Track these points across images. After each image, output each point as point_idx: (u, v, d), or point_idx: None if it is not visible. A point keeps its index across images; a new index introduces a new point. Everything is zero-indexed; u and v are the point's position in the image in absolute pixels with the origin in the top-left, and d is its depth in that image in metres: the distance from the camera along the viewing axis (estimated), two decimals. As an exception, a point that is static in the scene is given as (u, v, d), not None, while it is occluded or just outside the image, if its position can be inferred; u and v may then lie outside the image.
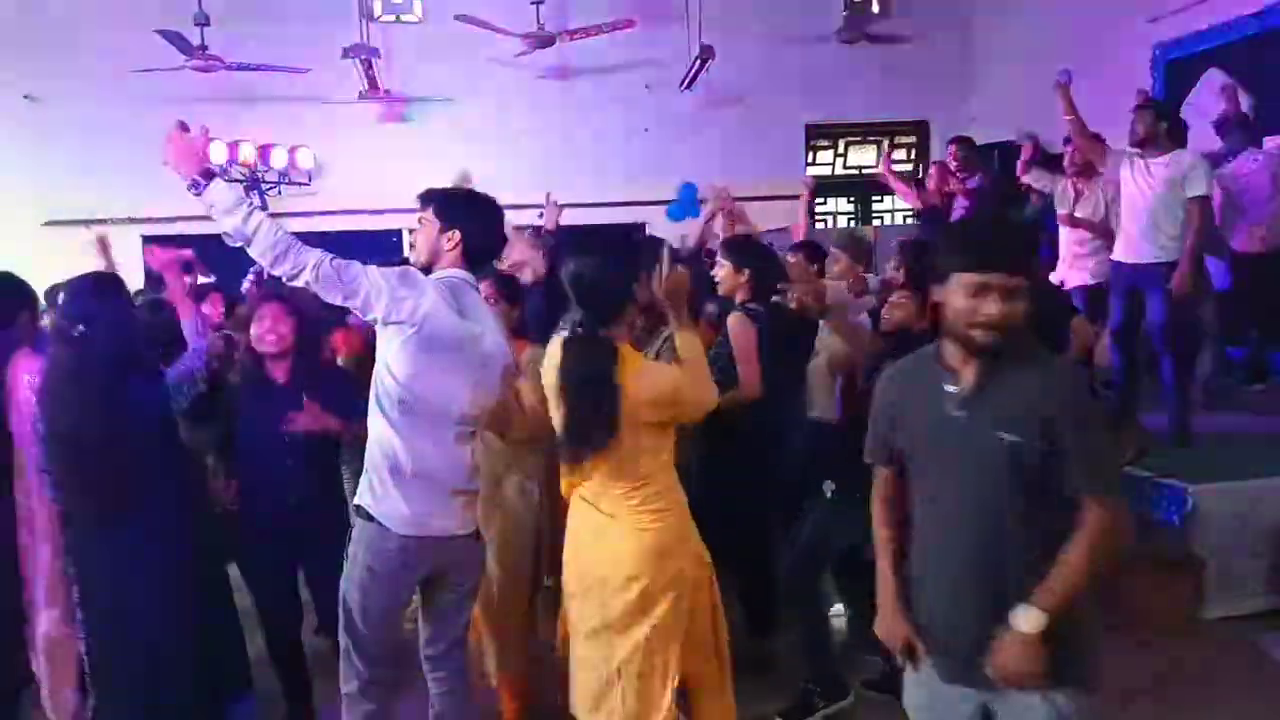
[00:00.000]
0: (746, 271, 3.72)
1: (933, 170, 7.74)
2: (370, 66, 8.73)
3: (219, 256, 2.83)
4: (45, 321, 3.91)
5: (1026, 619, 1.87)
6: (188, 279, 3.36)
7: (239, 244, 2.44)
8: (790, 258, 4.36)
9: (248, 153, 8.64)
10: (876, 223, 10.69)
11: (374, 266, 2.51)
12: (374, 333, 2.57)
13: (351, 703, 2.67)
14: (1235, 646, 3.88)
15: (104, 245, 3.71)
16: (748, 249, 3.90)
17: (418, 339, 2.48)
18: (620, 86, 9.68)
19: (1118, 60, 7.25)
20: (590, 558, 2.45)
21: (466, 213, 2.65)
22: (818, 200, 10.78)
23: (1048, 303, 4.58)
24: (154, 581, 2.94)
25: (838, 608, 3.97)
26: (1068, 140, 5.71)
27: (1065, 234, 5.71)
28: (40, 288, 4.71)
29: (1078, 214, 5.59)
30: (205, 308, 4.77)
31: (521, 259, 4.44)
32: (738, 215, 5.13)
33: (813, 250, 4.46)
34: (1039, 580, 1.89)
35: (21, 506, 3.17)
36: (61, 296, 3.04)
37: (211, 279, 6.58)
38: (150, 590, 2.94)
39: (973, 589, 1.97)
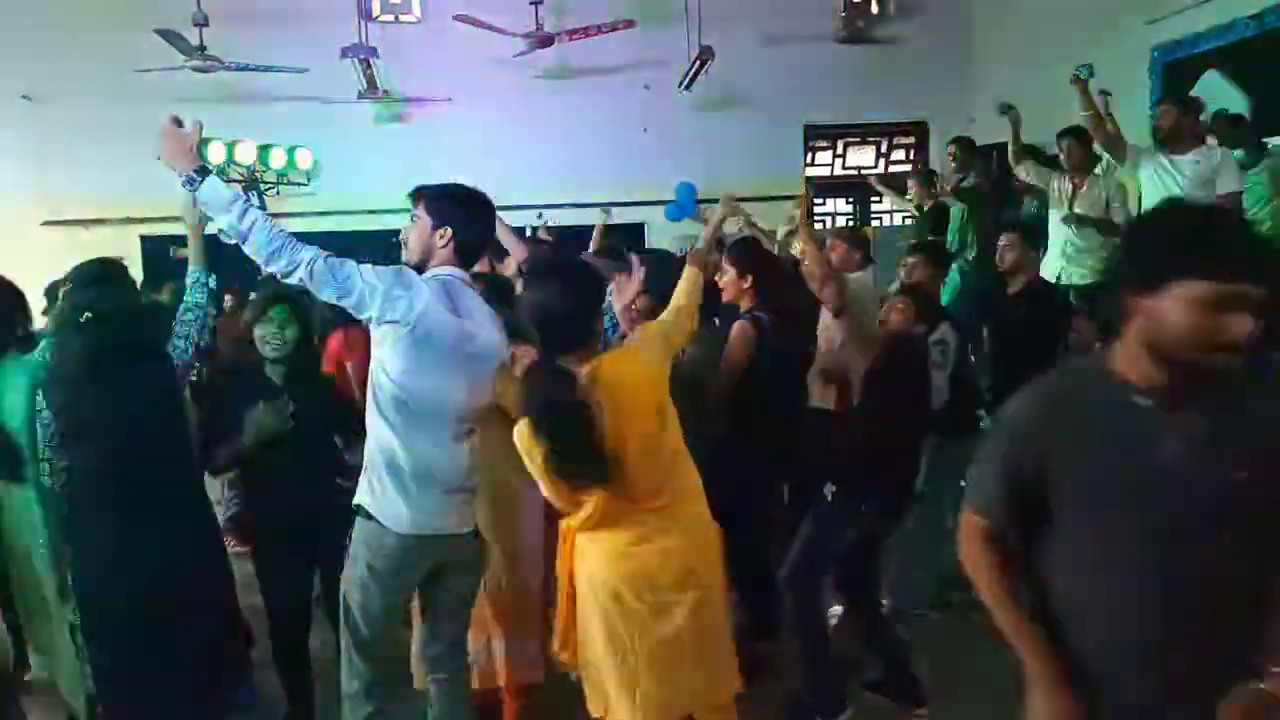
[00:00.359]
0: (750, 277, 3.70)
1: (911, 185, 7.73)
2: (369, 66, 8.73)
3: (219, 257, 2.80)
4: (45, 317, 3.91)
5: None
6: None
7: (234, 241, 2.44)
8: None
9: (246, 153, 8.63)
10: (875, 223, 10.71)
11: (368, 265, 2.51)
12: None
13: (354, 703, 2.68)
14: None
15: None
16: (752, 254, 3.88)
17: (412, 338, 2.49)
18: (619, 87, 9.67)
19: (1117, 61, 7.25)
20: (637, 565, 2.42)
21: (458, 210, 2.65)
22: (816, 200, 10.79)
23: (1050, 303, 4.60)
24: (159, 568, 2.93)
25: (835, 609, 3.96)
26: (1061, 135, 5.70)
27: (1059, 230, 5.67)
28: (40, 288, 4.74)
29: (1077, 210, 5.57)
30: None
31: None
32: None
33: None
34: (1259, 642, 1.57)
35: None
36: (68, 283, 3.04)
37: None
38: (154, 578, 2.93)
39: (1192, 663, 1.62)
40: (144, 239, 8.99)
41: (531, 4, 8.67)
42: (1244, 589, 1.59)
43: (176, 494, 2.98)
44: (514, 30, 8.68)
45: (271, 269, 2.46)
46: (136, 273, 6.04)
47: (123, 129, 8.19)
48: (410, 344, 2.49)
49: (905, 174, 8.41)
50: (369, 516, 2.58)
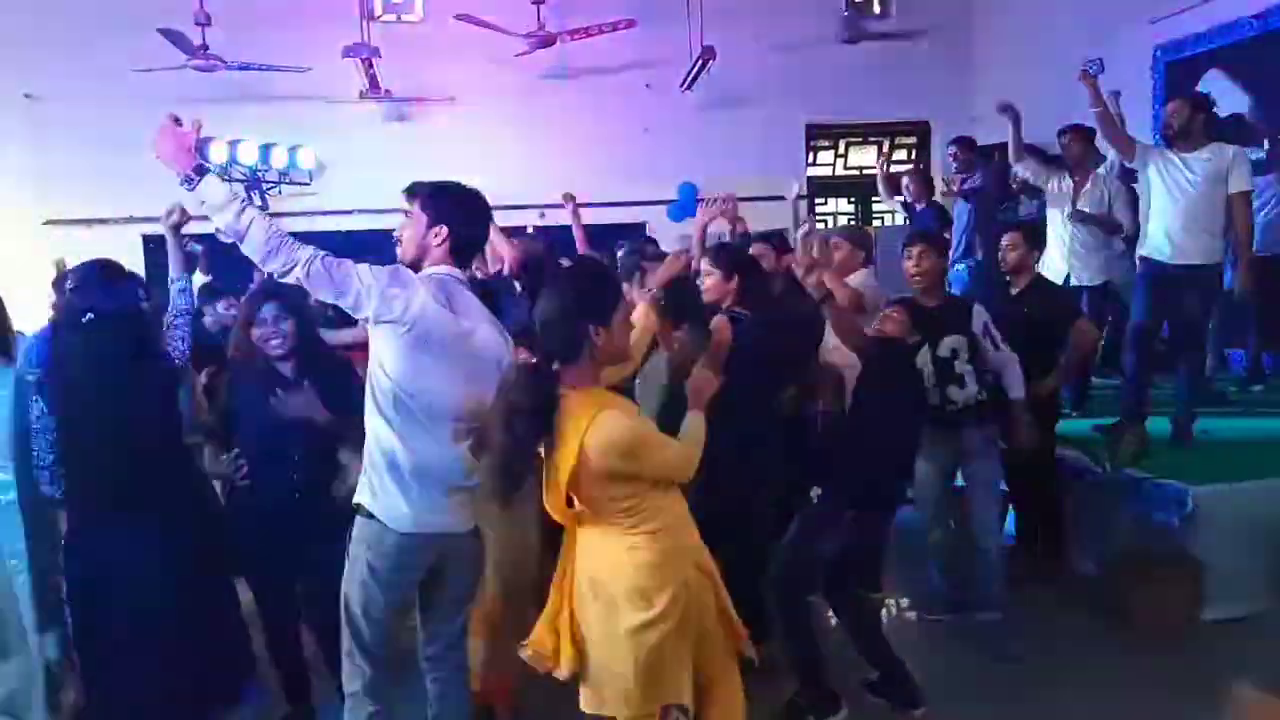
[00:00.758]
0: (735, 279, 3.70)
1: (908, 181, 7.72)
2: (371, 66, 8.74)
3: (219, 257, 2.80)
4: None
5: None
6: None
7: (231, 240, 2.45)
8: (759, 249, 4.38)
9: (248, 152, 8.63)
10: (877, 223, 10.70)
11: (365, 265, 2.51)
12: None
13: (355, 702, 2.67)
14: (1234, 647, 3.87)
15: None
16: (736, 256, 3.88)
17: (410, 338, 2.49)
18: (621, 86, 9.67)
19: (1118, 61, 7.23)
20: (593, 565, 2.42)
21: (454, 208, 2.63)
22: (818, 200, 10.80)
23: (1052, 303, 4.59)
24: (153, 573, 2.93)
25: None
26: (1062, 132, 5.68)
27: (1066, 230, 5.66)
28: (41, 286, 4.75)
29: (1080, 208, 5.56)
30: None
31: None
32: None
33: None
34: None
35: None
36: (69, 284, 3.04)
37: (208, 278, 6.59)
38: (148, 582, 2.93)
39: None
40: (146, 238, 9.00)
41: (533, 4, 8.68)
42: None
43: (174, 494, 2.98)
44: (516, 30, 8.68)
45: (268, 268, 2.46)
46: (137, 272, 6.09)
47: (125, 128, 8.18)
48: (407, 343, 2.49)
49: (902, 174, 8.39)
50: (369, 515, 2.58)
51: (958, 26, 10.02)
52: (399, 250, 2.71)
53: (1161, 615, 4.06)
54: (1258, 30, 6.54)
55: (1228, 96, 6.42)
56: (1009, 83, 8.99)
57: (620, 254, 4.78)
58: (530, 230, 7.35)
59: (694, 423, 2.54)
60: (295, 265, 2.43)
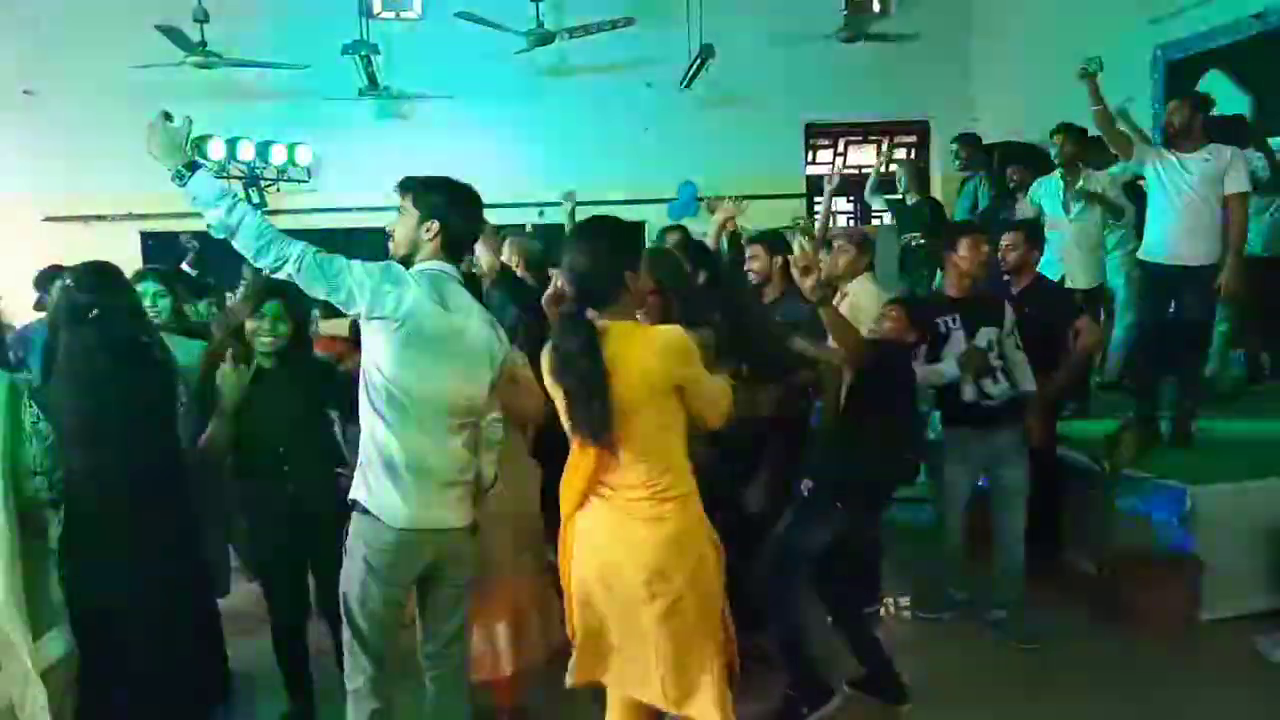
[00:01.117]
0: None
1: (900, 172, 7.67)
2: (369, 63, 8.72)
3: (221, 256, 2.79)
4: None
5: None
6: None
7: (223, 235, 2.44)
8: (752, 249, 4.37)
9: (247, 149, 8.62)
10: (876, 222, 10.69)
11: (358, 261, 2.51)
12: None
13: (357, 699, 2.67)
14: (1233, 647, 3.87)
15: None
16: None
17: (402, 334, 2.49)
18: (620, 85, 9.66)
19: (1118, 61, 7.23)
20: (610, 556, 2.40)
21: (446, 202, 2.63)
22: (817, 199, 10.78)
23: (1053, 303, 4.59)
24: (149, 577, 2.93)
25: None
26: (1054, 133, 5.67)
27: (1060, 232, 5.65)
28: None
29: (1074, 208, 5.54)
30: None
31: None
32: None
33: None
34: None
35: None
36: (69, 283, 3.03)
37: (194, 272, 6.60)
38: (144, 586, 2.92)
39: None
40: (145, 235, 9.00)
41: (532, 1, 8.66)
42: None
43: (169, 496, 2.97)
44: (515, 28, 8.67)
45: (260, 263, 2.46)
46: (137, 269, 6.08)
47: (123, 125, 8.10)
48: (400, 339, 2.49)
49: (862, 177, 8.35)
50: (365, 511, 2.58)
51: (957, 26, 10.02)
52: (391, 245, 2.71)
53: (1161, 614, 4.07)
54: (1258, 30, 6.53)
55: (1228, 97, 6.42)
56: (1009, 82, 9.04)
57: None
58: (529, 229, 7.35)
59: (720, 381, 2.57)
60: (287, 261, 2.43)
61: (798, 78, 9.75)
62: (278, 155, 8.88)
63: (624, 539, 2.39)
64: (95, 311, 2.90)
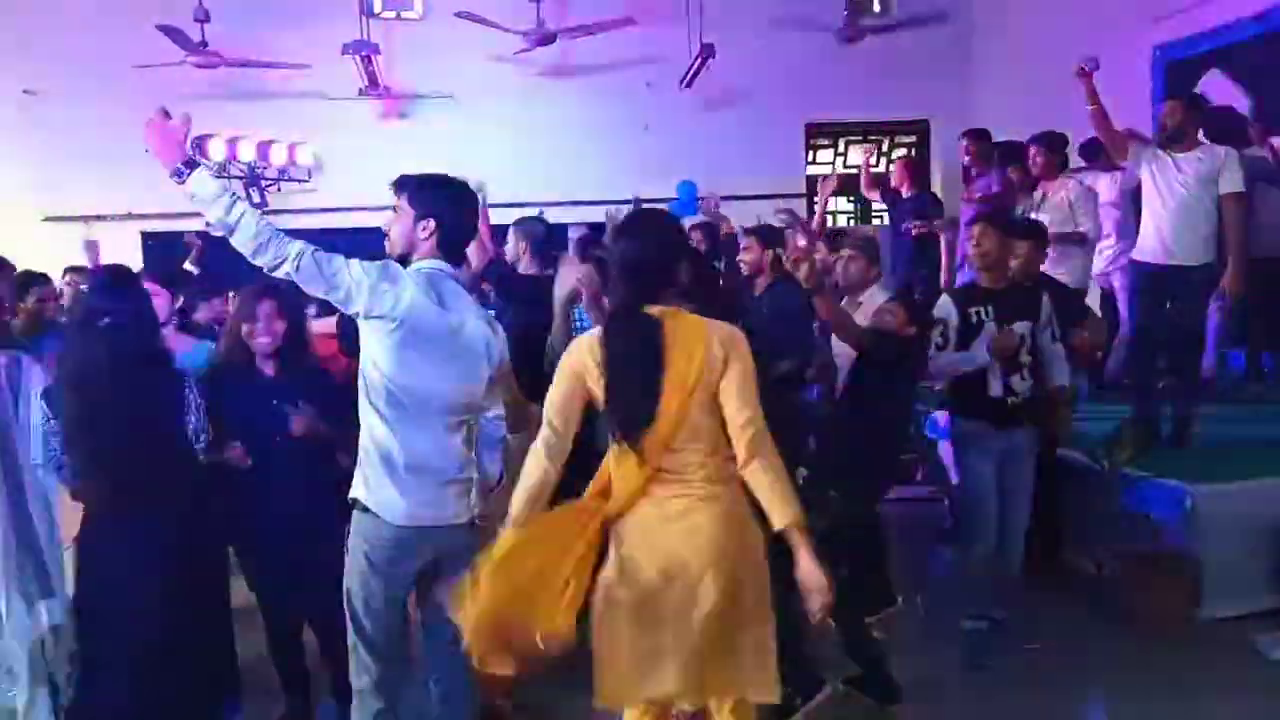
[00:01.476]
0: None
1: (897, 165, 7.66)
2: (370, 63, 8.73)
3: (224, 255, 2.78)
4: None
5: None
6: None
7: (221, 233, 2.45)
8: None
9: (247, 149, 8.62)
10: (877, 222, 10.69)
11: (356, 260, 2.52)
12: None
13: (362, 698, 2.68)
14: (1233, 646, 3.88)
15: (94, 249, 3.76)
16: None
17: (400, 333, 2.50)
18: (620, 84, 9.66)
19: (1118, 61, 7.24)
20: (670, 547, 2.35)
21: (441, 201, 2.63)
22: (817, 199, 10.77)
23: (1059, 302, 4.58)
24: (156, 576, 2.94)
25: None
26: (1035, 140, 5.65)
27: None
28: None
29: (1043, 217, 5.48)
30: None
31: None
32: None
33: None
34: None
35: None
36: (84, 287, 3.06)
37: (196, 270, 6.60)
38: (151, 585, 2.94)
39: None
40: (145, 235, 9.00)
41: (533, 1, 8.67)
42: None
43: (173, 502, 2.98)
44: (515, 27, 8.67)
45: (258, 262, 2.46)
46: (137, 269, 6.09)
47: (124, 125, 8.10)
48: (397, 338, 2.50)
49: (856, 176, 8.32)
50: (365, 509, 2.59)
51: (958, 25, 10.01)
52: (387, 244, 2.71)
53: (1160, 613, 4.07)
54: (1258, 31, 6.53)
55: (1228, 97, 6.43)
56: (1008, 82, 9.03)
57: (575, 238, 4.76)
58: (540, 213, 7.31)
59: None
60: (285, 259, 2.44)
61: (798, 77, 9.75)
62: (278, 155, 8.89)
63: (683, 528, 2.34)
64: (107, 319, 2.92)
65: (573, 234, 5.06)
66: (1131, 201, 5.76)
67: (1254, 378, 6.22)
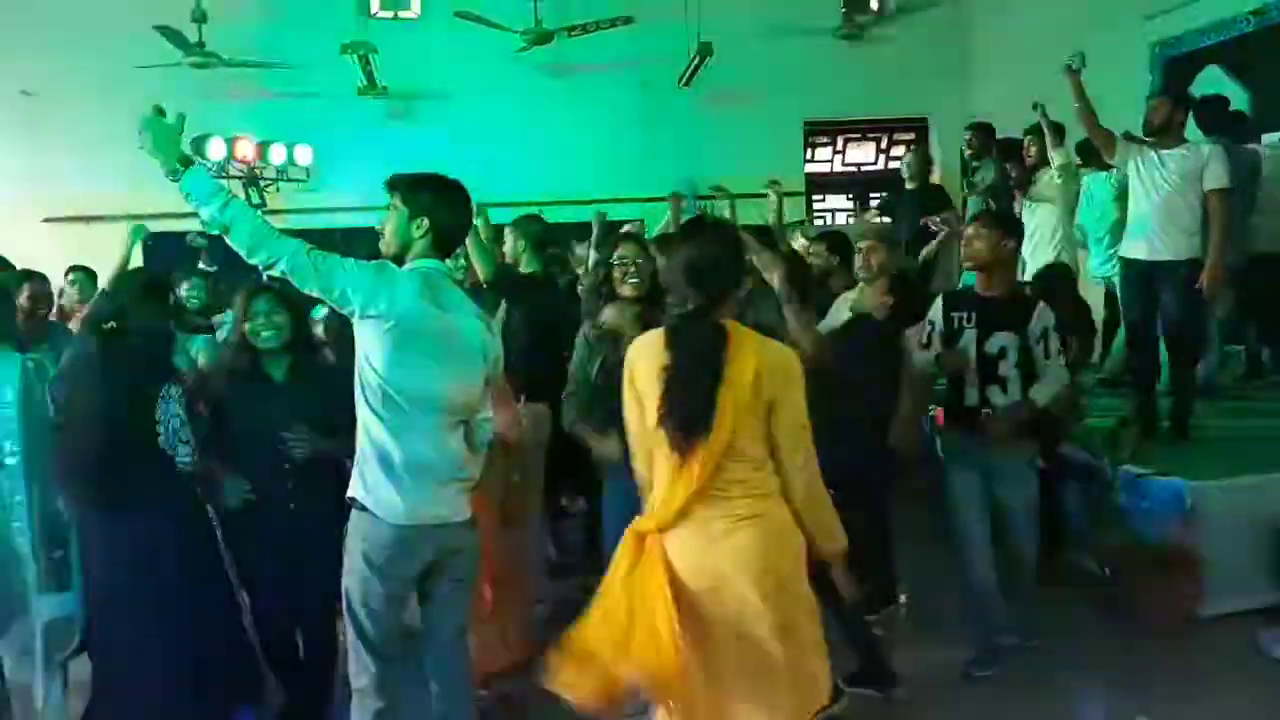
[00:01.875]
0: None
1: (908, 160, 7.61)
2: (368, 63, 8.72)
3: (231, 252, 2.77)
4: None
5: None
6: None
7: (216, 231, 2.45)
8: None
9: (246, 149, 8.61)
10: (875, 217, 10.70)
11: (351, 259, 2.51)
12: None
13: (361, 698, 2.67)
14: (1234, 644, 3.88)
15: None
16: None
17: (396, 332, 2.49)
18: (618, 83, 9.66)
19: (1116, 57, 7.24)
20: (716, 566, 2.32)
21: (435, 199, 2.62)
22: (816, 198, 10.79)
23: (1058, 297, 4.58)
24: (153, 578, 2.93)
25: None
26: (1030, 131, 5.66)
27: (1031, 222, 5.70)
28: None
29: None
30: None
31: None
32: None
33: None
34: None
35: None
36: (104, 289, 3.07)
37: (214, 269, 6.57)
38: (147, 587, 2.93)
39: None
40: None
41: (530, 0, 8.66)
42: None
43: (168, 506, 2.97)
44: (513, 26, 8.67)
45: (253, 260, 2.46)
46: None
47: (122, 125, 8.11)
48: (393, 338, 2.49)
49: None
50: (363, 509, 2.58)
51: (956, 23, 10.02)
52: (382, 244, 2.71)
53: (1162, 610, 4.07)
54: (1255, 26, 6.54)
55: (1225, 92, 6.42)
56: (1006, 79, 9.02)
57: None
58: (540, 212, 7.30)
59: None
60: (281, 258, 2.43)
61: (796, 76, 9.75)
62: (276, 155, 8.86)
63: (729, 546, 2.31)
64: (112, 325, 2.92)
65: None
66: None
67: (1254, 375, 6.22)
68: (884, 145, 10.78)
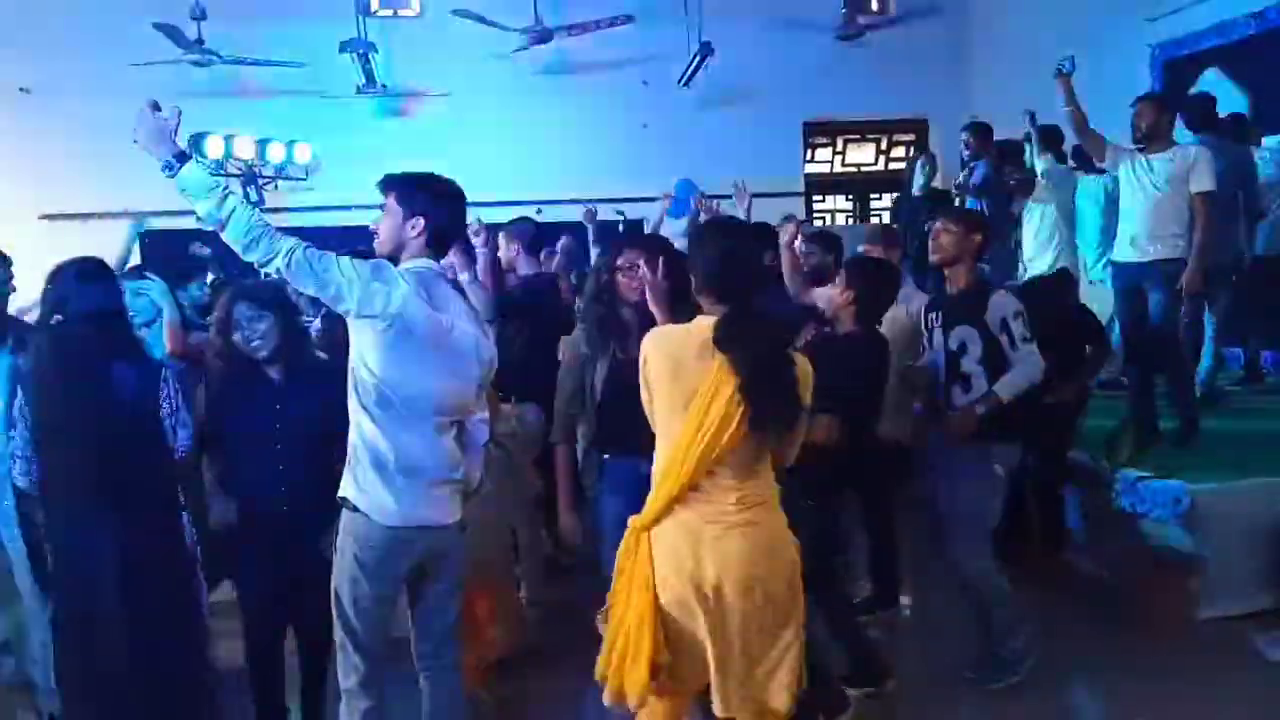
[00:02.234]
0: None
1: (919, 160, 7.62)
2: (367, 61, 8.72)
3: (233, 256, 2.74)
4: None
5: None
6: None
7: (212, 228, 2.43)
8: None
9: (245, 147, 8.60)
10: (876, 220, 10.71)
11: (347, 258, 2.49)
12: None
13: (350, 697, 2.66)
14: (1233, 646, 3.88)
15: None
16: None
17: (391, 333, 2.48)
18: (618, 82, 9.65)
19: (1116, 59, 7.25)
20: (705, 572, 2.32)
21: (429, 198, 2.61)
22: (816, 198, 10.79)
23: (1058, 295, 4.57)
24: (128, 576, 2.84)
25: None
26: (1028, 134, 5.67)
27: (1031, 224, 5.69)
28: (38, 282, 4.70)
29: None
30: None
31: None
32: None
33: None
34: None
35: None
36: (47, 283, 3.03)
37: (223, 275, 6.55)
38: (124, 585, 2.84)
39: None
40: (143, 234, 8.95)
41: (530, -1, 8.67)
42: None
43: (149, 496, 2.93)
44: (513, 25, 8.66)
45: (249, 258, 2.44)
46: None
47: (120, 123, 8.09)
48: (388, 339, 2.48)
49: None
50: (355, 509, 2.57)
51: (956, 24, 10.02)
52: (376, 244, 2.69)
53: (1160, 613, 4.07)
54: (1255, 29, 6.54)
55: (1225, 95, 6.43)
56: (1006, 80, 9.02)
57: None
58: (537, 211, 7.31)
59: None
60: (276, 256, 2.41)
61: (796, 76, 9.75)
62: (275, 153, 8.86)
63: (717, 552, 2.32)
64: (58, 316, 2.89)
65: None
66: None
67: (1253, 377, 6.22)
68: (884, 146, 10.78)
